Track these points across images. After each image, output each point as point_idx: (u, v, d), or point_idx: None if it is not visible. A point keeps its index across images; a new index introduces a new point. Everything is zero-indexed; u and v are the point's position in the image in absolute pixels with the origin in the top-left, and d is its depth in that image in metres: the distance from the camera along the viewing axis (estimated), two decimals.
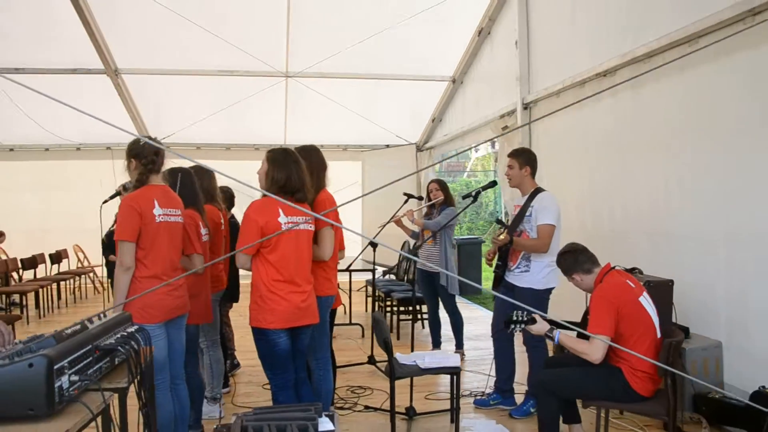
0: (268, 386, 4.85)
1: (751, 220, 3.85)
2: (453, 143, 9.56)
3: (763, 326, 3.76)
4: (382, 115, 9.84)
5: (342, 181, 8.64)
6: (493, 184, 4.42)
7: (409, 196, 5.52)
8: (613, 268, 3.36)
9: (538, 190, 4.24)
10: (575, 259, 3.36)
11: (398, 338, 6.61)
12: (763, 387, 3.60)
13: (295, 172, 3.32)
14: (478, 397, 4.48)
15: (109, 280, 9.01)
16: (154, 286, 3.10)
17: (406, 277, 7.58)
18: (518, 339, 4.14)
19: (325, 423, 2.62)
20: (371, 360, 5.44)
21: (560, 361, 3.58)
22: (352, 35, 7.78)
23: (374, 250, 5.54)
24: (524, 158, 4.27)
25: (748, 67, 3.87)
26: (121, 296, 3.04)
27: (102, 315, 2.47)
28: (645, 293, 3.29)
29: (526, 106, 6.82)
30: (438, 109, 9.88)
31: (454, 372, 3.83)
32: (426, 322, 7.10)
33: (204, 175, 4.12)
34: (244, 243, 3.22)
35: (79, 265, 10.00)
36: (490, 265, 4.44)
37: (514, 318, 3.26)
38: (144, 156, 3.17)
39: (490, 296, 10.60)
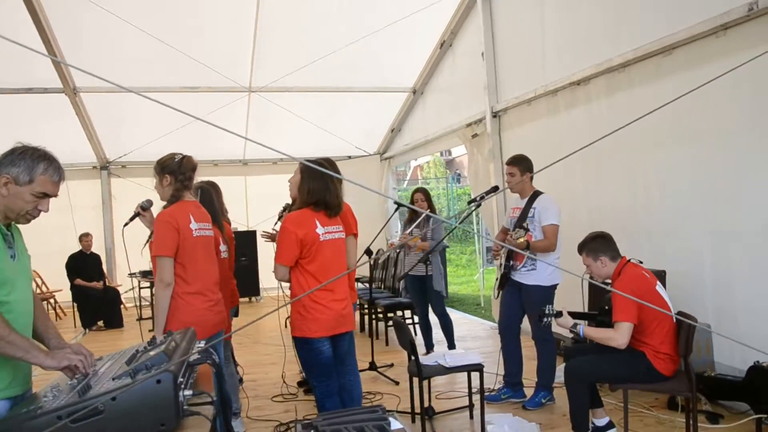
0: (278, 398, 4.92)
1: (730, 215, 4.20)
2: (414, 152, 9.78)
3: (749, 310, 4.10)
4: (342, 127, 9.96)
5: None
6: (496, 189, 4.63)
7: (399, 204, 5.66)
8: (629, 261, 3.61)
9: (537, 193, 4.48)
10: (607, 244, 3.61)
11: (386, 344, 6.72)
12: (758, 362, 3.92)
13: (331, 184, 3.39)
14: (489, 393, 4.65)
15: (75, 304, 8.72)
16: (197, 302, 3.12)
17: (383, 285, 7.71)
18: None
19: (395, 423, 2.72)
20: (372, 366, 5.52)
21: (578, 351, 3.80)
22: (316, 50, 7.87)
23: (369, 258, 5.65)
24: (524, 165, 4.51)
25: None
26: (163, 314, 3.03)
27: (154, 338, 2.47)
28: (658, 282, 3.56)
29: (495, 114, 7.10)
30: (397, 120, 10.08)
31: (478, 369, 3.99)
32: (415, 327, 7.25)
33: (218, 191, 4.14)
34: (284, 255, 3.27)
35: (38, 291, 9.57)
36: (497, 260, 4.63)
37: (546, 312, 3.47)
38: (181, 173, 3.18)
39: (458, 300, 10.88)
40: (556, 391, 4.57)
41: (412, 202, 5.93)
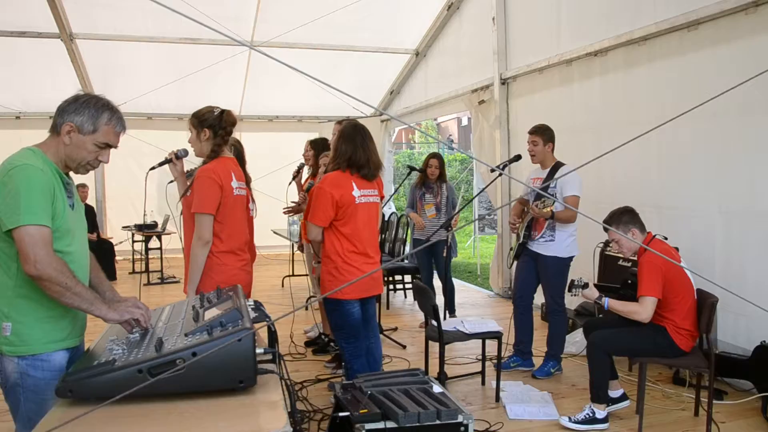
0: (287, 358, 4.93)
1: (742, 193, 4.26)
2: (413, 116, 9.70)
3: (757, 289, 4.19)
4: (341, 87, 9.76)
5: (298, 152, 8.64)
6: (518, 157, 4.62)
7: (412, 168, 5.63)
8: (655, 236, 3.66)
9: (559, 164, 4.48)
10: (635, 217, 3.65)
11: (387, 308, 6.77)
12: (764, 341, 4.04)
13: (362, 148, 3.35)
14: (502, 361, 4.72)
15: None
16: (231, 261, 3.08)
17: (384, 248, 7.72)
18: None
19: (436, 385, 2.75)
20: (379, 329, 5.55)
21: (598, 325, 3.86)
22: (320, 6, 7.69)
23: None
24: (548, 135, 4.50)
25: (744, 55, 4.24)
26: (199, 272, 2.99)
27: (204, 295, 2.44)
28: (682, 259, 3.61)
29: (503, 82, 7.06)
30: (397, 82, 9.97)
31: (497, 336, 4.04)
32: (409, 293, 7.29)
33: (242, 147, 4.06)
34: (319, 215, 3.24)
35: None
36: (515, 231, 4.66)
37: (576, 283, 3.51)
38: (222, 127, 3.10)
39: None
40: (564, 362, 4.67)
41: (426, 167, 5.91)
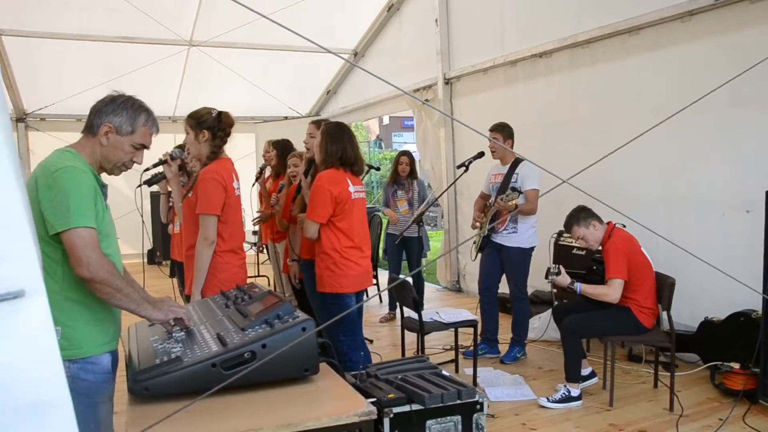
0: None
1: (681, 181, 4.70)
2: (350, 115, 9.81)
3: (697, 271, 4.60)
4: (276, 87, 9.79)
5: (235, 153, 8.60)
6: (482, 154, 4.85)
7: (370, 167, 5.76)
8: (615, 225, 3.98)
9: (518, 160, 4.75)
10: (590, 212, 3.95)
11: None
12: (707, 317, 4.46)
13: (350, 146, 3.47)
14: (466, 349, 4.94)
15: None
16: (232, 259, 3.12)
17: None
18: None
19: (443, 372, 2.91)
20: None
21: (565, 309, 4.16)
22: (260, 6, 7.64)
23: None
24: (507, 132, 4.76)
25: (682, 58, 4.66)
26: (205, 271, 3.01)
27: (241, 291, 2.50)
28: (641, 245, 3.96)
29: (447, 81, 7.32)
30: (334, 82, 10.05)
31: (473, 324, 4.26)
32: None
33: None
34: (320, 212, 3.33)
35: None
36: (477, 227, 4.89)
37: (552, 270, 3.78)
38: (221, 129, 3.12)
39: None
40: (527, 347, 4.95)
41: (397, 165, 6.06)
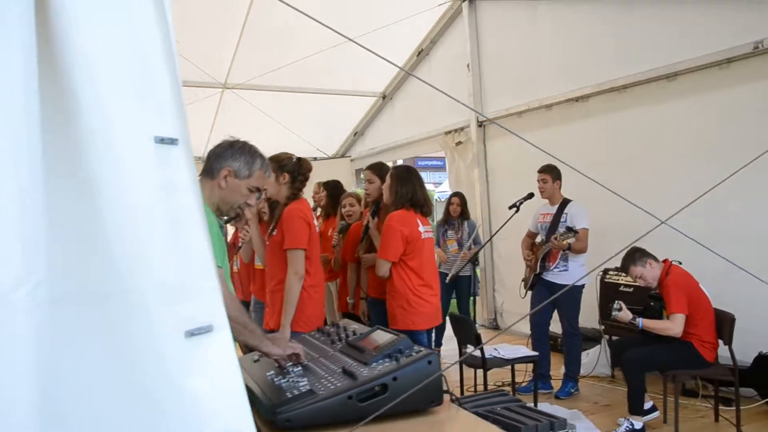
0: None
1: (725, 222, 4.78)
2: (379, 156, 9.98)
3: (750, 305, 4.68)
4: (305, 128, 10.01)
5: None
6: (531, 195, 4.99)
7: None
8: (672, 263, 4.09)
9: (566, 200, 4.89)
10: (645, 252, 4.05)
11: None
12: (761, 352, 4.51)
13: (419, 188, 3.61)
14: (519, 385, 4.99)
15: None
16: (315, 294, 3.23)
17: None
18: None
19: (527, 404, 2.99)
20: None
21: (624, 344, 4.23)
22: (295, 52, 7.94)
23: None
24: (556, 173, 4.92)
25: (719, 105, 4.82)
26: (294, 306, 3.11)
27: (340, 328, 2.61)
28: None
29: (480, 124, 7.51)
30: (362, 124, 10.28)
31: (534, 360, 4.33)
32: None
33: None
34: (392, 251, 3.45)
35: None
36: (529, 264, 4.99)
37: (615, 307, 3.87)
38: (301, 173, 3.28)
39: None
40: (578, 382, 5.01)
41: (449, 205, 6.22)
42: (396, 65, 1.91)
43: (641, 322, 3.91)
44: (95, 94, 1.23)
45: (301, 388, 1.99)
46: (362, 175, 4.73)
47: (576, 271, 4.78)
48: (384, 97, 9.60)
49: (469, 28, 7.51)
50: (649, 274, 4.03)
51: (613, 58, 5.71)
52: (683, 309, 3.83)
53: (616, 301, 3.98)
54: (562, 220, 4.82)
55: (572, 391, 4.84)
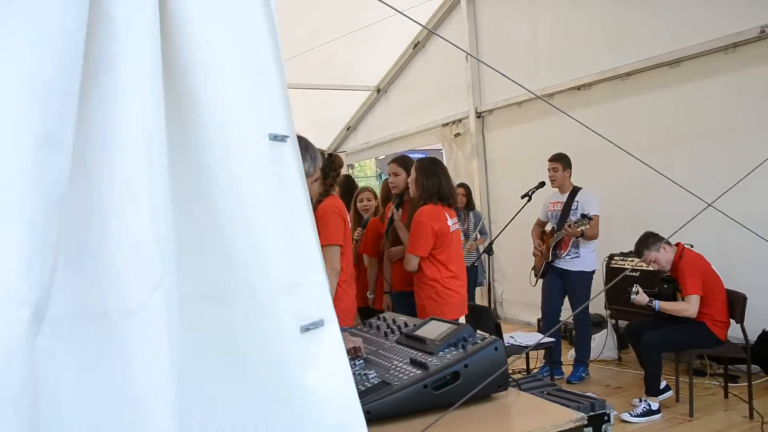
0: None
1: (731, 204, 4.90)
2: (374, 150, 10.06)
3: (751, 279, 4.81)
4: (298, 124, 9.99)
5: None
6: (542, 184, 5.09)
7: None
8: (684, 246, 4.22)
9: (577, 188, 5.00)
10: (657, 236, 4.19)
11: None
12: (765, 329, 4.66)
13: (445, 180, 3.67)
14: (534, 371, 5.09)
15: None
16: (349, 289, 3.29)
17: None
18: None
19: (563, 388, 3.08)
20: None
21: (639, 327, 4.36)
22: (289, 48, 7.92)
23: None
24: (566, 162, 5.02)
25: (723, 90, 4.95)
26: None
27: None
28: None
29: (479, 115, 7.60)
30: (355, 118, 10.31)
31: (550, 346, 4.44)
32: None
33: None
34: (422, 246, 3.51)
35: None
36: (540, 254, 5.09)
37: (634, 291, 3.99)
38: (333, 169, 3.32)
39: None
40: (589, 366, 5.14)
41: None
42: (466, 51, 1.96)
43: (657, 304, 4.04)
44: (214, 95, 1.25)
45: (372, 380, 2.04)
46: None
47: (587, 258, 4.90)
48: (378, 91, 9.63)
49: (467, 18, 7.56)
50: (663, 257, 4.16)
51: (615, 46, 5.81)
52: (698, 290, 3.97)
53: (634, 285, 4.10)
54: (573, 207, 4.92)
55: (583, 375, 4.97)
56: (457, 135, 7.88)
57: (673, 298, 4.16)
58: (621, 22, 5.74)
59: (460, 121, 7.86)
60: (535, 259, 5.26)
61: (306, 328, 1.35)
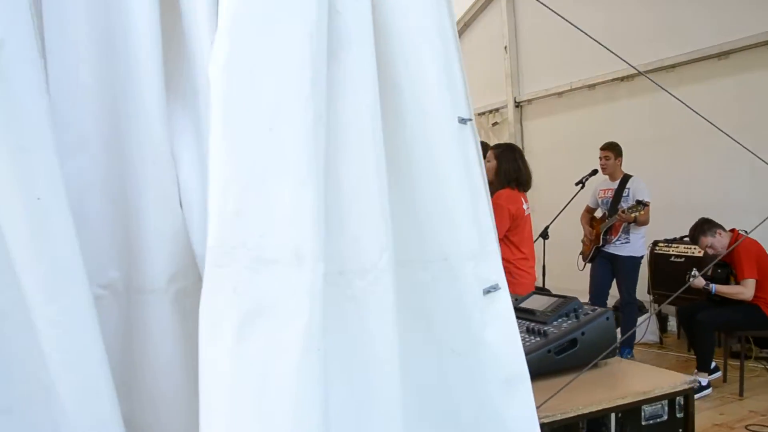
0: None
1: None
2: None
3: None
4: None
5: None
6: (595, 172, 5.26)
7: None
8: (739, 232, 4.41)
9: (627, 175, 5.17)
10: (713, 222, 4.38)
11: None
12: None
13: (523, 166, 3.85)
14: None
15: None
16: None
17: None
18: None
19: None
20: None
21: (692, 309, 4.55)
22: None
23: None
24: (618, 150, 5.20)
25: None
26: None
27: None
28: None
29: (518, 105, 7.75)
30: None
31: None
32: None
33: None
34: (498, 229, 3.69)
35: None
36: (591, 240, 5.28)
37: (693, 275, 4.18)
38: None
39: None
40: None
41: None
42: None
43: (714, 287, 4.23)
44: (415, 83, 1.40)
45: None
46: None
47: (637, 243, 5.08)
48: None
49: (506, 9, 7.69)
50: (718, 243, 4.33)
51: (660, 37, 5.94)
52: (754, 274, 4.16)
53: (693, 269, 4.30)
54: (624, 194, 5.09)
55: (628, 356, 5.16)
56: (494, 124, 8.04)
57: (727, 282, 4.34)
58: (668, 13, 5.88)
59: (497, 110, 8.02)
60: (583, 245, 5.44)
61: (487, 291, 1.54)
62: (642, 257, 5.14)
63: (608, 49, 2.09)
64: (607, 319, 2.27)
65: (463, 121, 1.53)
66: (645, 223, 5.01)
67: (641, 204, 4.77)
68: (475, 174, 1.54)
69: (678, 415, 2.09)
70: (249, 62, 1.07)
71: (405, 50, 1.40)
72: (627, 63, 2.30)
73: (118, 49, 1.20)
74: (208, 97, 1.13)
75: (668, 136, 5.90)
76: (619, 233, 5.09)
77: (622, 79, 6.37)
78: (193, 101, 1.22)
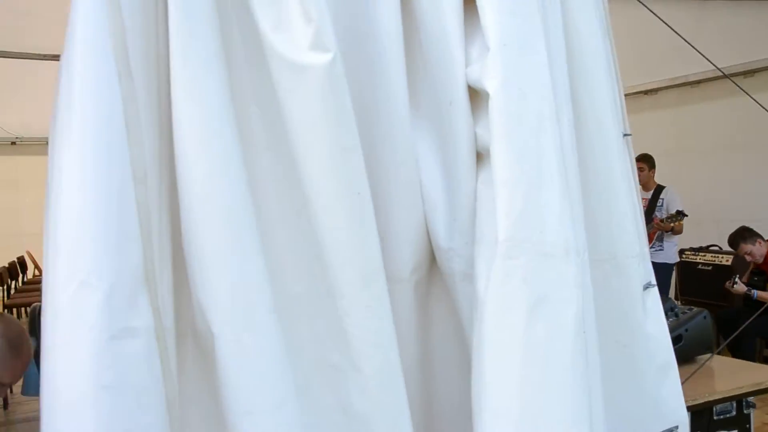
0: None
1: None
2: None
3: None
4: None
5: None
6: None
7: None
8: None
9: (661, 186, 5.39)
10: (752, 231, 4.59)
11: None
12: None
13: None
14: None
15: None
16: None
17: None
18: None
19: None
20: None
21: (732, 314, 4.76)
22: None
23: None
24: (651, 162, 5.41)
25: None
26: None
27: None
28: None
29: None
30: None
31: None
32: None
33: None
34: None
35: (37, 274, 8.97)
36: None
37: (735, 281, 4.39)
38: None
39: None
40: None
41: None
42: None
43: (756, 293, 4.45)
44: (589, 97, 1.54)
45: None
46: None
47: (670, 251, 5.30)
48: None
49: None
50: (757, 251, 4.56)
51: (684, 54, 6.14)
52: None
53: (735, 276, 4.51)
54: (658, 204, 5.31)
55: None
56: None
57: (763, 289, 4.56)
58: (695, 30, 6.11)
59: None
60: None
61: (646, 287, 1.71)
62: (674, 264, 5.35)
63: (699, 52, 2.27)
64: (705, 318, 2.45)
65: (626, 135, 1.71)
66: (680, 232, 5.22)
67: (681, 214, 4.98)
68: (633, 183, 1.72)
69: (745, 412, 2.28)
70: (517, 81, 1.22)
71: (587, 68, 1.55)
72: (714, 65, 2.48)
73: (367, 53, 1.31)
74: (449, 105, 1.28)
75: (689, 148, 6.13)
76: (653, 241, 5.29)
77: (646, 92, 6.59)
78: (435, 108, 1.35)
